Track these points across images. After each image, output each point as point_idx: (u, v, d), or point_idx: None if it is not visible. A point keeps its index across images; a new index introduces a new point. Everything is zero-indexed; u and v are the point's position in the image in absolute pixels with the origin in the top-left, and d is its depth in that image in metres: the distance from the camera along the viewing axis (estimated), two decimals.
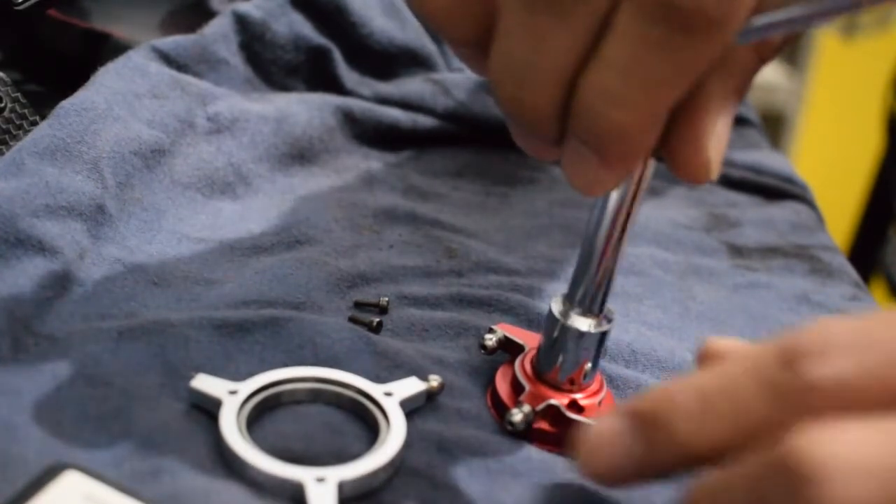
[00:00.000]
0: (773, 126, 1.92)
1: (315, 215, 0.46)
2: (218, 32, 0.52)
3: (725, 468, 0.26)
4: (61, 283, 0.37)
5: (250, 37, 0.53)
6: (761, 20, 0.29)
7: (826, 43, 1.90)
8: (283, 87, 0.55)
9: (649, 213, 0.52)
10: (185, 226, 0.43)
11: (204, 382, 0.33)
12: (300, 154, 0.50)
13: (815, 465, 0.24)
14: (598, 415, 0.35)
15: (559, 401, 0.35)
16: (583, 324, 0.34)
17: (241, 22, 0.53)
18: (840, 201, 1.56)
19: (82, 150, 0.42)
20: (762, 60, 0.33)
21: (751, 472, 0.26)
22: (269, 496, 0.30)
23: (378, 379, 0.35)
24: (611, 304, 0.34)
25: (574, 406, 0.35)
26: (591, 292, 0.34)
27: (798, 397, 0.26)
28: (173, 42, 0.50)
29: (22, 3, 0.46)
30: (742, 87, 0.32)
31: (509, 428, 0.34)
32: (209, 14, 0.57)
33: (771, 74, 2.01)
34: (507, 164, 0.55)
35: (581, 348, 0.34)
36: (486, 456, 0.33)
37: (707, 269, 0.49)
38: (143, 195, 0.43)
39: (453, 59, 0.60)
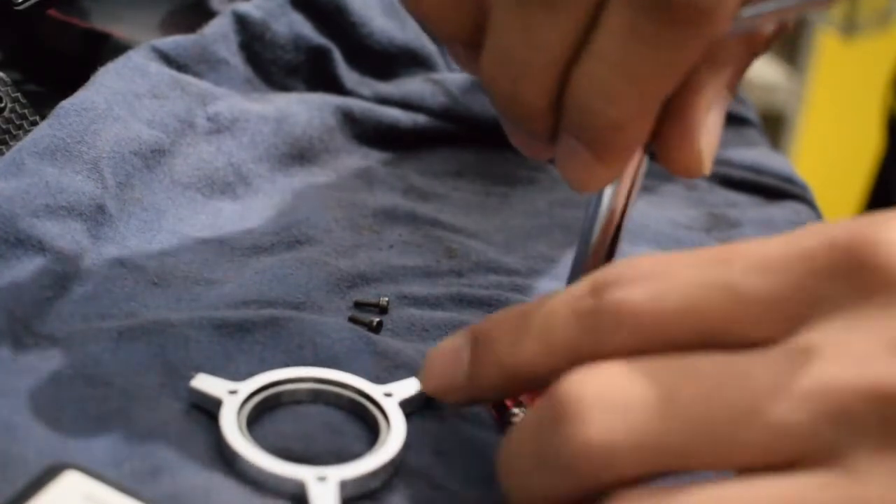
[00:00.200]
0: (773, 126, 1.92)
1: (315, 215, 0.46)
2: (218, 32, 0.52)
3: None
4: (61, 283, 0.37)
5: (250, 37, 0.53)
6: (750, 11, 0.29)
7: (826, 43, 1.90)
8: (283, 87, 0.55)
9: (648, 213, 0.52)
10: (185, 226, 0.43)
11: (204, 382, 0.33)
12: (300, 154, 0.50)
13: (571, 403, 0.26)
14: None
15: None
16: None
17: (241, 22, 0.53)
18: (840, 201, 1.56)
19: (82, 150, 0.42)
20: (753, 54, 0.33)
21: (534, 412, 0.27)
22: (270, 495, 0.30)
23: (378, 379, 0.35)
24: None
25: None
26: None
27: (594, 321, 0.28)
28: (173, 42, 0.50)
29: (22, 3, 0.46)
30: (733, 80, 0.32)
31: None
32: (209, 14, 0.57)
33: (771, 74, 2.01)
34: (507, 164, 0.55)
35: None
36: (486, 457, 0.33)
37: None
38: (143, 195, 0.43)
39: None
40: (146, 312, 0.37)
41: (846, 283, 0.26)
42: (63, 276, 0.37)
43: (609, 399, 0.26)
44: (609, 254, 0.33)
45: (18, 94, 0.46)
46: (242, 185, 0.47)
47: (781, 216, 0.55)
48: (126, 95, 0.45)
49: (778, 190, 0.57)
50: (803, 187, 0.58)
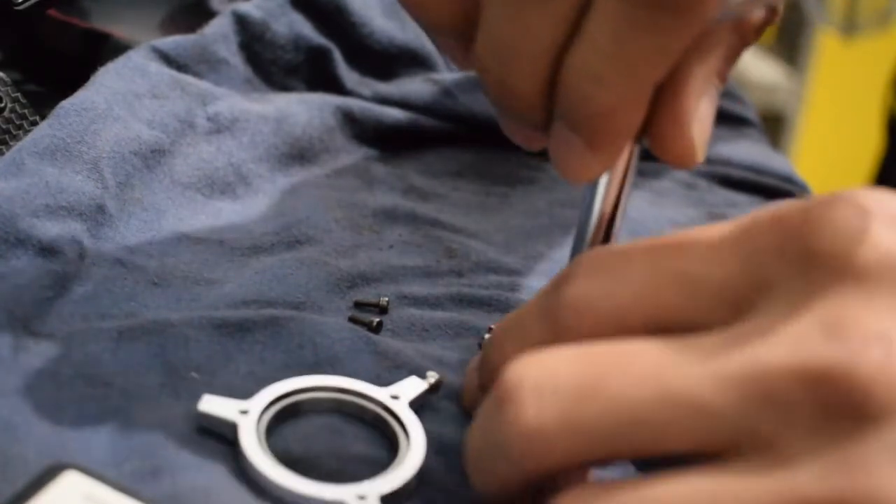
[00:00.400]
0: (773, 126, 1.92)
1: (315, 215, 0.46)
2: (218, 32, 0.52)
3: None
4: (61, 283, 0.37)
5: (250, 37, 0.53)
6: None
7: (826, 43, 1.90)
8: (283, 87, 0.55)
9: (648, 213, 0.52)
10: (185, 226, 0.43)
11: (212, 405, 0.32)
12: (300, 154, 0.50)
13: (511, 389, 0.27)
14: None
15: None
16: None
17: (241, 22, 0.53)
18: None
19: (82, 150, 0.42)
20: (744, 42, 0.33)
21: (486, 398, 0.28)
22: (271, 497, 0.30)
23: (379, 379, 0.35)
24: None
25: None
26: None
27: (553, 315, 0.29)
28: (173, 42, 0.50)
29: (22, 3, 0.46)
30: (724, 69, 0.32)
31: None
32: (209, 14, 0.57)
33: (771, 74, 2.01)
34: (507, 164, 0.55)
35: None
36: None
37: None
38: (143, 195, 0.43)
39: None
40: (146, 312, 0.37)
41: (790, 264, 0.26)
42: (63, 276, 0.37)
43: (544, 384, 0.26)
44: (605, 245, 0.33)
45: (18, 94, 0.46)
46: (242, 185, 0.47)
47: None
48: (126, 95, 0.45)
49: (778, 190, 0.57)
50: (803, 187, 0.58)
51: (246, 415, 0.32)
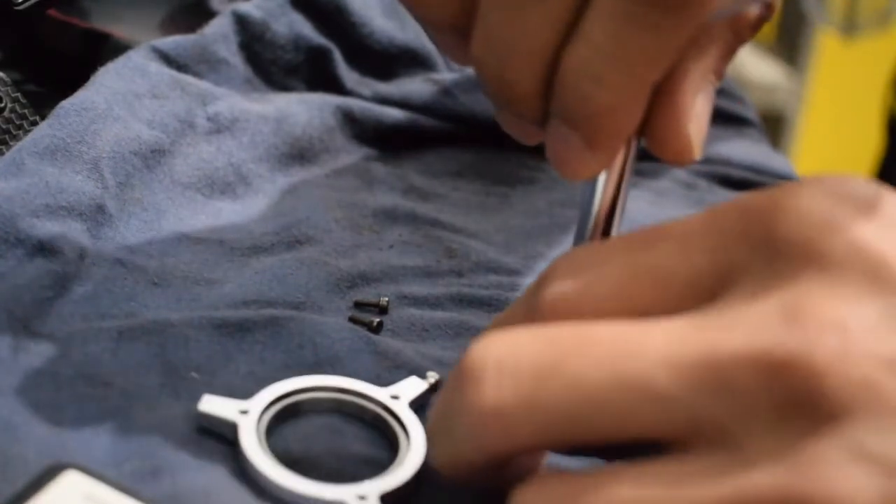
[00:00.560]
0: (773, 126, 1.92)
1: (315, 215, 0.46)
2: (218, 32, 0.52)
3: None
4: (61, 283, 0.37)
5: (250, 37, 0.53)
6: None
7: (826, 43, 1.90)
8: (283, 87, 0.55)
9: (648, 213, 0.52)
10: (185, 226, 0.43)
11: (212, 405, 0.32)
12: (300, 154, 0.50)
13: (473, 368, 0.27)
14: None
15: None
16: None
17: (241, 22, 0.53)
18: None
19: (82, 150, 0.42)
20: (740, 39, 0.33)
21: (448, 377, 0.28)
22: (271, 497, 0.30)
23: (379, 379, 0.35)
24: None
25: None
26: None
27: (533, 314, 0.28)
28: (173, 42, 0.50)
29: (22, 3, 0.46)
30: (720, 65, 0.32)
31: None
32: (209, 14, 0.57)
33: (771, 74, 2.01)
34: (507, 164, 0.55)
35: None
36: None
37: None
38: (143, 195, 0.43)
39: None
40: (146, 312, 0.37)
41: (755, 251, 0.26)
42: (63, 276, 0.37)
43: (504, 364, 0.26)
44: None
45: (18, 94, 0.46)
46: (242, 185, 0.47)
47: None
48: (126, 95, 0.45)
49: None
50: None
51: (246, 415, 0.32)
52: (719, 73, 0.32)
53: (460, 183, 0.53)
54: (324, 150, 0.52)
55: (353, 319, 0.39)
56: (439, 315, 0.40)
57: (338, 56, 0.56)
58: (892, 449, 0.23)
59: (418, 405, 0.34)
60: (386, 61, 0.57)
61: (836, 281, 0.25)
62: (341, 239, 0.45)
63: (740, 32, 0.33)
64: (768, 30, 2.11)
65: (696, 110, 0.31)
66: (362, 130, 0.54)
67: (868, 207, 0.26)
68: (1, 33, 0.49)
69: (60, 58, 0.54)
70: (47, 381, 0.32)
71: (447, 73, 0.58)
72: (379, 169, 0.52)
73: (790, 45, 2.01)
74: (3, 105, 0.46)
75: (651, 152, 0.32)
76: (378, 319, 0.39)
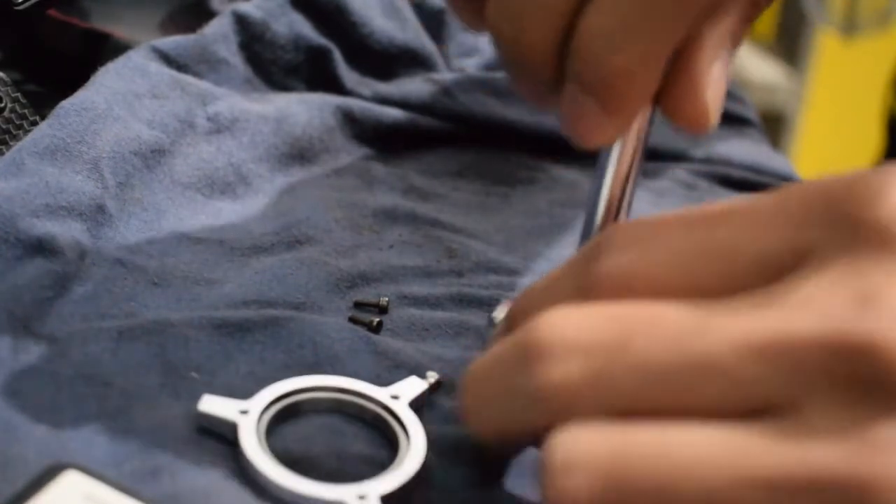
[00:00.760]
0: (773, 126, 1.92)
1: (315, 215, 0.46)
2: (218, 32, 0.52)
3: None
4: (61, 283, 0.37)
5: (250, 37, 0.53)
6: None
7: (826, 43, 1.90)
8: (283, 87, 0.55)
9: (647, 213, 0.52)
10: (185, 226, 0.43)
11: (212, 405, 0.32)
12: (300, 154, 0.50)
13: (539, 343, 0.27)
14: None
15: None
16: None
17: (241, 22, 0.53)
18: None
19: (82, 150, 0.42)
20: (756, 5, 0.33)
21: (504, 347, 0.28)
22: (272, 497, 0.30)
23: (379, 379, 0.35)
24: None
25: None
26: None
27: (586, 286, 0.28)
28: (173, 42, 0.50)
29: (22, 3, 0.46)
30: (738, 32, 0.32)
31: None
32: (209, 14, 0.57)
33: (771, 74, 2.01)
34: (507, 164, 0.55)
35: None
36: (485, 458, 0.33)
37: None
38: (143, 195, 0.43)
39: (453, 59, 0.60)
40: (146, 312, 0.37)
41: (832, 232, 0.26)
42: (63, 276, 0.37)
43: (572, 341, 0.26)
44: (617, 216, 0.33)
45: (18, 94, 0.46)
46: (242, 185, 0.47)
47: None
48: (126, 95, 0.45)
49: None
50: None
51: (246, 415, 0.32)
52: (737, 39, 0.32)
53: (460, 183, 0.53)
54: (324, 150, 0.52)
55: (353, 319, 0.39)
56: (439, 315, 0.40)
57: (338, 56, 0.56)
58: None
59: (418, 405, 0.34)
60: (386, 61, 0.57)
61: None
62: (341, 239, 0.45)
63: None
64: (768, 30, 2.11)
65: (713, 76, 0.31)
66: (362, 130, 0.54)
67: None
68: (1, 33, 0.49)
69: (60, 58, 0.54)
70: (47, 381, 0.32)
71: (447, 73, 0.58)
72: (379, 169, 0.52)
73: (790, 45, 2.01)
74: (3, 105, 0.46)
75: (667, 118, 0.32)
76: (378, 319, 0.39)
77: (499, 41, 0.30)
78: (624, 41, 0.28)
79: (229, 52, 0.53)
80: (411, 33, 0.58)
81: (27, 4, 0.46)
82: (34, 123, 0.46)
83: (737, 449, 0.24)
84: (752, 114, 0.65)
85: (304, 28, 0.55)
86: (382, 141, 0.54)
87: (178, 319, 0.36)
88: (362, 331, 0.38)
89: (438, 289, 0.42)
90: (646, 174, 0.56)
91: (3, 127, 0.46)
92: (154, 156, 0.45)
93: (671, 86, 0.31)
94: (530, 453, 0.31)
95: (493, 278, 0.44)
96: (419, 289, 0.42)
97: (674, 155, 0.58)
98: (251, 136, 0.49)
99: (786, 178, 0.58)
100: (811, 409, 0.24)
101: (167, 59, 0.50)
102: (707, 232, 0.27)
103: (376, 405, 0.33)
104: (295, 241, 0.44)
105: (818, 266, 0.26)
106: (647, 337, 0.26)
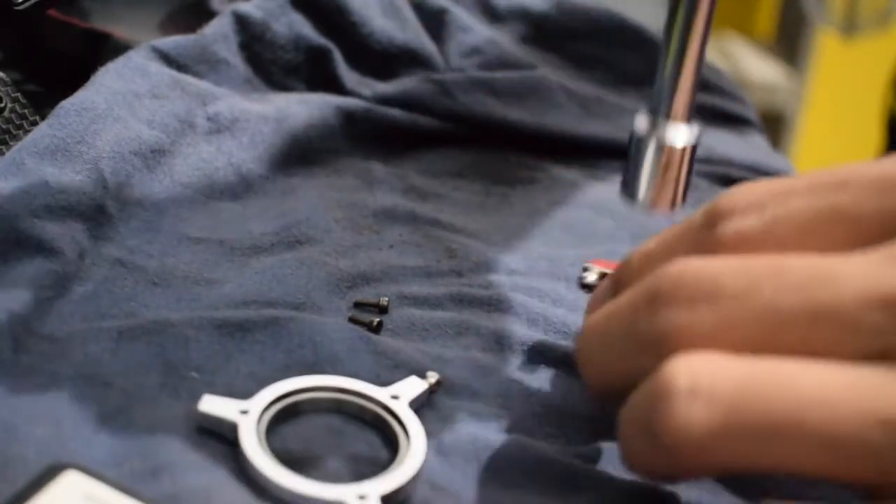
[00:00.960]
0: (773, 126, 1.92)
1: (315, 215, 0.46)
2: (218, 32, 0.52)
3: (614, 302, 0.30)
4: (61, 283, 0.37)
5: (250, 37, 0.53)
6: None
7: (826, 43, 1.90)
8: (283, 87, 0.55)
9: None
10: (185, 226, 0.43)
11: (212, 405, 0.32)
12: (300, 154, 0.50)
13: (668, 289, 0.28)
14: None
15: None
16: (674, 132, 0.33)
17: (241, 22, 0.53)
18: None
19: (82, 150, 0.42)
20: None
21: (631, 295, 0.29)
22: (272, 497, 0.30)
23: (379, 379, 0.35)
24: None
25: None
26: (672, 96, 0.33)
27: (710, 248, 0.29)
28: (173, 42, 0.50)
29: (22, 3, 0.46)
30: None
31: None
32: (209, 14, 0.57)
33: (771, 74, 2.01)
34: (507, 164, 0.55)
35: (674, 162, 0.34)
36: (487, 457, 0.33)
37: None
38: (143, 195, 0.43)
39: (453, 59, 0.60)
40: (146, 312, 0.37)
41: None
42: (63, 276, 0.37)
43: (700, 287, 0.27)
44: (698, 54, 0.32)
45: (18, 94, 0.46)
46: (242, 185, 0.47)
47: None
48: (126, 95, 0.45)
49: None
50: None
51: (246, 415, 0.32)
52: None
53: (460, 183, 0.53)
54: (324, 150, 0.52)
55: (352, 319, 0.39)
56: (439, 315, 0.40)
57: (338, 56, 0.56)
58: None
59: (418, 405, 0.34)
60: (386, 61, 0.57)
61: None
62: (341, 239, 0.45)
63: None
64: (768, 30, 2.11)
65: None
66: (362, 130, 0.54)
67: None
68: (1, 33, 0.49)
69: (60, 58, 0.54)
70: (47, 381, 0.32)
71: (447, 73, 0.58)
72: (379, 169, 0.52)
73: (790, 45, 2.01)
74: (3, 105, 0.46)
75: None
76: (378, 319, 0.39)
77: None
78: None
79: (229, 52, 0.53)
80: (411, 33, 0.58)
81: (27, 4, 0.46)
82: (34, 123, 0.46)
83: (862, 388, 0.25)
84: (752, 114, 0.65)
85: (304, 28, 0.55)
86: (382, 141, 0.54)
87: (178, 319, 0.36)
88: (362, 331, 0.38)
89: (438, 289, 0.42)
90: None
91: (3, 127, 0.46)
92: (154, 156, 0.45)
93: None
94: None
95: (493, 278, 0.44)
96: (419, 289, 0.42)
97: None
98: (251, 136, 0.49)
99: None
100: None
101: (167, 59, 0.50)
102: (831, 196, 0.28)
103: (376, 405, 0.33)
104: (295, 241, 0.44)
105: None
106: (774, 285, 0.27)
